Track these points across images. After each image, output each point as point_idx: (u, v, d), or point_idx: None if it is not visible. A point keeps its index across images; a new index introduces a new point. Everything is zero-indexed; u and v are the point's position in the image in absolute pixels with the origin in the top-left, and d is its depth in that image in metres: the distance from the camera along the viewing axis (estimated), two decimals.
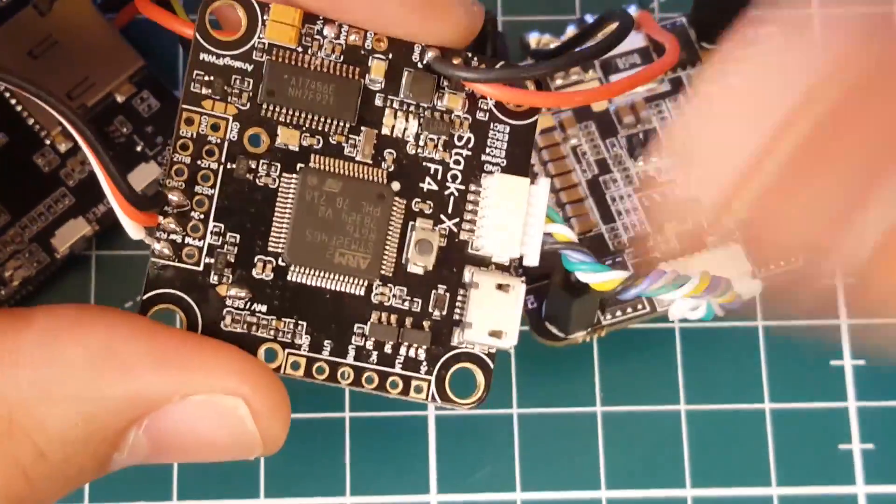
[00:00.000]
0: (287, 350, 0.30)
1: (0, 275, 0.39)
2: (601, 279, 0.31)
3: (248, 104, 0.30)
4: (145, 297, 0.30)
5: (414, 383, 0.31)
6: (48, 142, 0.39)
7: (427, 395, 0.31)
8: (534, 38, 0.40)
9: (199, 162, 0.30)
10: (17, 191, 0.39)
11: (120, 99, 0.40)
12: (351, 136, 0.31)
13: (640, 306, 0.37)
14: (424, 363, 0.31)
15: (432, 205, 0.31)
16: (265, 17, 0.31)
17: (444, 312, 0.31)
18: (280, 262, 0.30)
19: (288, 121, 0.31)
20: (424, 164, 0.31)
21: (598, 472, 0.39)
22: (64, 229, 0.39)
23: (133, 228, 0.29)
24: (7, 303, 0.38)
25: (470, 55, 0.32)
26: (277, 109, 0.30)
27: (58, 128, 0.39)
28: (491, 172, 0.32)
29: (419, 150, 0.31)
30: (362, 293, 0.31)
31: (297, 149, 0.31)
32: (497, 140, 0.32)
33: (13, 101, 0.39)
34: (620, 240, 0.39)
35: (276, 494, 0.39)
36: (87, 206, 0.39)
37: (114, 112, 0.40)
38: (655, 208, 0.39)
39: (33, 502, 0.27)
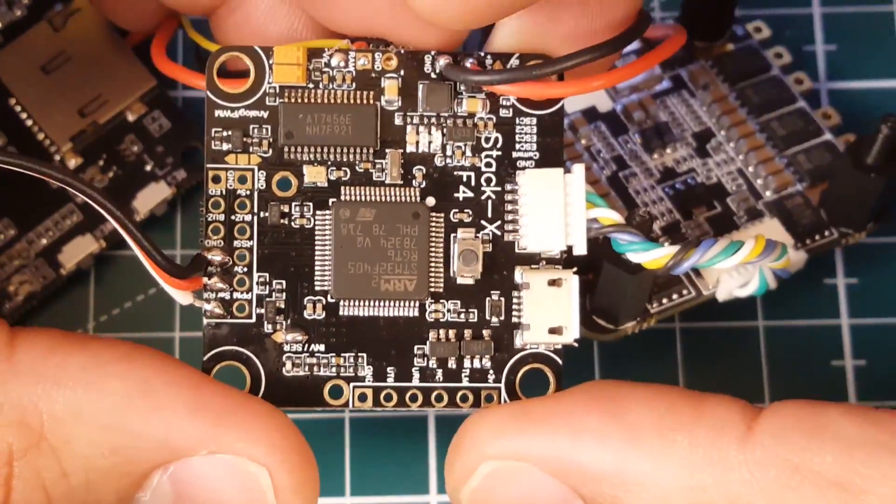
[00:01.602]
0: (352, 384, 0.31)
1: (5, 289, 0.39)
2: (653, 256, 0.31)
3: (270, 150, 0.31)
4: (206, 357, 0.30)
5: (484, 393, 0.31)
6: (58, 157, 0.39)
7: (500, 403, 0.31)
8: None
9: (232, 217, 0.30)
10: (25, 205, 0.39)
11: (131, 118, 0.40)
12: (377, 160, 0.31)
13: (685, 291, 0.36)
14: (491, 372, 0.31)
15: (471, 212, 0.31)
16: (271, 62, 0.31)
17: (502, 318, 0.31)
18: (329, 299, 0.30)
19: (312, 159, 0.31)
20: (456, 173, 0.31)
21: None
22: (71, 245, 0.39)
23: (180, 296, 0.30)
24: (11, 317, 0.39)
25: (482, 54, 0.31)
26: (299, 149, 0.31)
27: (68, 144, 0.39)
28: (524, 169, 0.31)
29: (448, 161, 0.31)
30: (416, 314, 0.31)
31: (325, 184, 0.31)
32: (526, 134, 0.31)
33: (23, 116, 0.39)
34: (652, 230, 0.37)
35: None
36: (95, 222, 0.39)
37: (125, 131, 0.40)
38: (681, 197, 0.38)
39: None
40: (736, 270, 0.32)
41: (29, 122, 0.40)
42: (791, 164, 0.38)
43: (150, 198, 0.39)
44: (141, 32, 0.38)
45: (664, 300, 0.36)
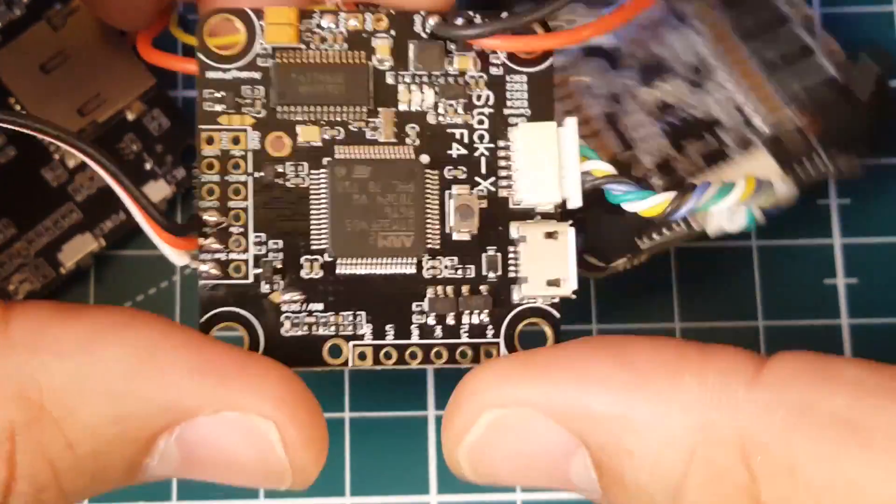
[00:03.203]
0: (351, 342, 0.30)
1: (5, 288, 0.39)
2: (648, 205, 0.31)
3: (263, 111, 0.31)
4: (202, 319, 0.30)
5: (483, 349, 0.31)
6: (57, 156, 0.40)
7: (500, 357, 0.31)
8: None
9: (227, 178, 0.30)
10: (24, 204, 0.39)
11: (130, 117, 0.40)
12: (370, 119, 0.31)
13: (675, 226, 0.36)
14: (490, 327, 0.31)
15: (465, 169, 0.31)
16: (262, 23, 0.31)
17: (499, 273, 0.31)
18: (326, 258, 0.30)
19: (305, 119, 0.31)
20: (449, 130, 0.31)
21: None
22: (71, 244, 0.39)
23: (176, 256, 0.29)
24: None
25: (471, 13, 0.31)
26: (293, 109, 0.31)
27: None
28: (516, 125, 0.31)
29: (441, 119, 0.31)
30: (414, 271, 0.31)
31: (319, 144, 0.31)
32: (516, 91, 0.32)
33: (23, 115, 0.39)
34: (643, 165, 0.38)
35: (275, 495, 0.39)
36: (95, 221, 0.39)
37: (124, 129, 0.40)
38: (674, 131, 0.38)
39: (57, 492, 0.28)
40: (727, 208, 0.33)
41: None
42: (786, 93, 0.38)
43: (150, 196, 0.38)
44: (136, 30, 0.38)
45: (655, 235, 0.36)
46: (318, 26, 0.31)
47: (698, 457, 0.27)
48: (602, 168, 0.31)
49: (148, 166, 0.40)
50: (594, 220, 0.35)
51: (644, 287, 0.39)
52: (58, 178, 0.40)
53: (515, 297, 0.31)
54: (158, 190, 0.40)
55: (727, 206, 0.30)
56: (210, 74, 0.30)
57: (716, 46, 0.39)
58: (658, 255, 0.38)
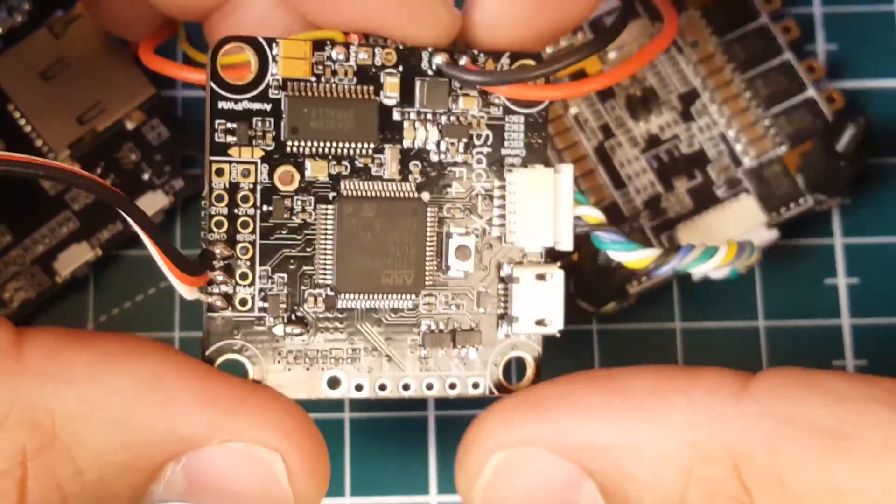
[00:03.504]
0: (349, 375, 0.31)
1: (0, 296, 0.38)
2: (633, 258, 0.32)
3: (273, 143, 0.30)
4: (207, 352, 0.30)
5: (471, 381, 0.32)
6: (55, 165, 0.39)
7: (485, 390, 0.32)
8: None
9: (235, 210, 0.30)
10: (21, 212, 0.39)
11: (130, 126, 0.39)
12: (376, 155, 0.31)
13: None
14: (478, 361, 0.32)
15: (462, 208, 0.32)
16: (275, 53, 0.30)
17: (490, 309, 0.32)
18: (329, 293, 0.31)
19: (314, 153, 0.31)
20: (449, 168, 0.32)
21: None
22: (67, 253, 0.39)
23: (187, 291, 0.29)
24: None
25: (477, 53, 0.32)
26: (302, 144, 0.31)
27: (66, 150, 0.38)
28: (513, 166, 0.32)
29: (443, 157, 0.32)
30: (411, 306, 0.32)
31: (327, 179, 0.31)
32: (514, 132, 0.32)
33: (22, 122, 0.39)
34: (634, 204, 0.40)
35: None
36: (91, 230, 0.39)
37: (123, 139, 0.39)
38: (663, 167, 0.40)
39: None
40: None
41: (27, 128, 0.38)
42: (772, 126, 0.40)
43: (148, 207, 0.39)
44: (137, 40, 0.37)
45: (644, 279, 0.38)
46: (329, 59, 0.31)
47: (694, 474, 0.29)
48: (593, 215, 0.32)
49: (146, 176, 0.39)
50: (585, 270, 0.36)
51: (644, 289, 0.39)
52: (55, 187, 0.39)
53: (501, 334, 0.32)
54: (156, 201, 0.39)
55: (709, 269, 0.32)
56: (222, 105, 0.30)
57: (707, 77, 0.40)
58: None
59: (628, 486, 0.30)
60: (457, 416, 0.40)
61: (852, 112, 0.39)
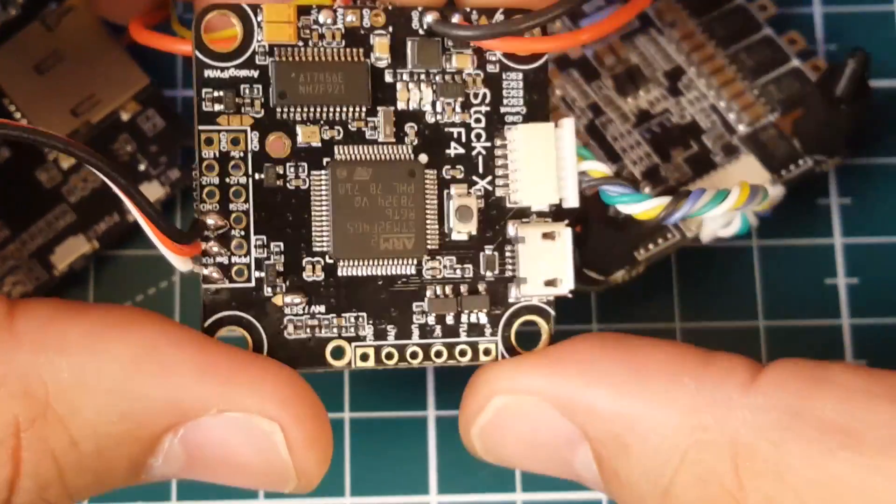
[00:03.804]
0: (353, 344, 0.31)
1: None
2: (644, 208, 0.31)
3: (262, 111, 0.30)
4: (206, 324, 0.30)
5: (482, 347, 0.31)
6: (51, 157, 0.39)
7: (497, 355, 0.31)
8: None
9: (227, 179, 0.30)
10: (18, 206, 0.39)
11: (125, 117, 0.39)
12: (369, 118, 0.31)
13: (669, 235, 0.37)
14: (488, 325, 0.31)
15: (463, 169, 0.31)
16: (260, 20, 0.30)
17: (497, 272, 0.31)
18: (328, 260, 0.30)
19: (305, 119, 0.30)
20: (447, 129, 0.31)
21: None
22: (64, 246, 0.39)
23: (180, 262, 0.29)
24: None
25: (469, 10, 0.31)
26: (292, 109, 0.30)
27: None
28: (514, 124, 0.31)
29: (439, 117, 0.31)
30: (414, 272, 0.31)
31: (319, 144, 0.30)
32: (512, 89, 0.32)
33: (17, 115, 0.39)
34: (633, 176, 0.39)
35: (275, 496, 0.38)
36: (89, 223, 0.39)
37: (118, 130, 0.39)
38: (657, 139, 0.39)
39: (61, 490, 0.28)
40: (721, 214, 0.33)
41: (23, 122, 0.38)
42: (762, 94, 0.39)
43: None
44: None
45: (650, 246, 0.37)
46: (316, 22, 0.30)
47: (688, 457, 0.29)
48: (599, 168, 0.31)
49: (142, 167, 0.39)
50: (592, 233, 0.35)
51: (644, 288, 0.39)
52: (52, 180, 0.39)
53: (512, 296, 0.31)
54: (152, 191, 0.39)
55: (722, 212, 0.31)
56: (208, 73, 0.30)
57: (690, 53, 0.40)
58: (655, 264, 0.38)
59: (621, 457, 0.29)
60: (457, 416, 0.39)
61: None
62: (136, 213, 0.28)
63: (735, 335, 0.40)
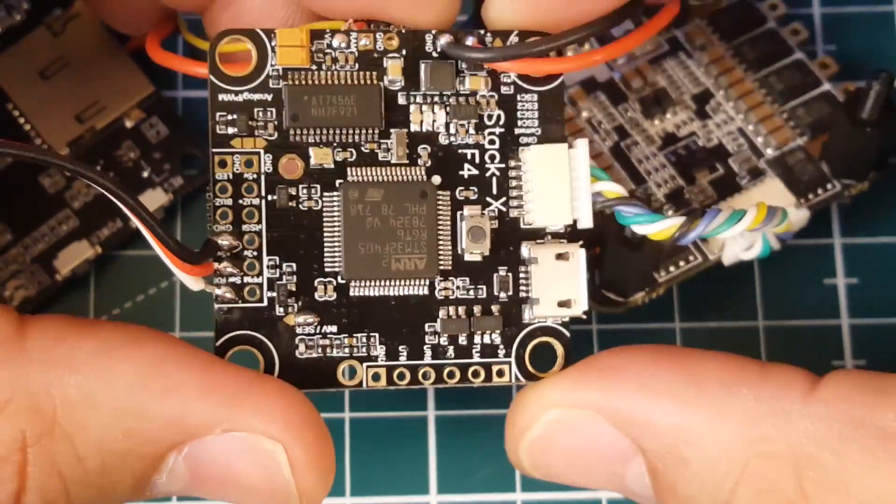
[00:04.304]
0: (365, 364, 0.31)
1: (0, 294, 0.39)
2: (658, 228, 0.31)
3: (276, 133, 0.30)
4: (218, 343, 0.30)
5: (495, 368, 0.31)
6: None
7: (510, 377, 0.31)
8: None
9: (240, 201, 0.30)
10: (21, 210, 0.39)
11: (129, 124, 0.40)
12: (382, 140, 0.31)
13: (691, 257, 0.37)
14: (501, 347, 0.31)
15: (476, 190, 0.31)
16: (273, 44, 0.31)
17: (510, 293, 0.31)
18: (340, 280, 0.31)
19: (317, 140, 0.31)
20: (460, 151, 0.31)
21: None
22: (67, 251, 0.39)
23: (191, 282, 0.29)
24: None
25: (483, 33, 0.31)
26: (305, 132, 0.30)
27: (65, 149, 0.39)
28: (527, 145, 0.31)
29: (452, 139, 0.31)
30: (426, 292, 0.31)
31: (332, 166, 0.31)
32: (527, 111, 0.32)
33: (21, 121, 0.39)
34: (656, 198, 0.38)
35: None
36: (91, 228, 0.39)
37: (122, 137, 0.40)
38: (683, 161, 0.39)
39: None
40: (741, 235, 0.33)
41: (27, 127, 0.39)
42: (791, 118, 0.39)
43: (147, 204, 0.38)
44: (138, 35, 0.38)
45: (671, 268, 0.37)
46: (329, 46, 0.31)
47: (749, 470, 0.28)
48: (613, 189, 0.31)
49: (145, 174, 0.40)
50: (611, 255, 0.35)
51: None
52: (55, 185, 0.40)
53: (526, 317, 0.31)
54: (155, 198, 0.39)
55: (737, 232, 0.30)
56: (222, 97, 0.30)
57: (718, 76, 0.40)
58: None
59: (679, 470, 0.29)
60: (457, 416, 0.39)
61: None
62: (147, 236, 0.28)
63: (735, 335, 0.40)
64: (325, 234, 0.30)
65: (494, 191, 0.31)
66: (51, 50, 0.39)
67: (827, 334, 0.40)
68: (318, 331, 0.30)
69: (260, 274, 0.30)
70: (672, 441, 0.29)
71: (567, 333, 0.31)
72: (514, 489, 0.39)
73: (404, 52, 0.31)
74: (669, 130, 0.39)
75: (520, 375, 0.31)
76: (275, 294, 0.30)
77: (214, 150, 0.30)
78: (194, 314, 0.40)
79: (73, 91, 0.39)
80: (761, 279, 0.40)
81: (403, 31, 0.31)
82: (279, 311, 0.30)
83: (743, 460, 0.28)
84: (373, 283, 0.31)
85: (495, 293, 0.31)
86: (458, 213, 0.31)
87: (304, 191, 0.31)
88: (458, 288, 0.31)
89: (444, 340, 0.31)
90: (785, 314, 0.40)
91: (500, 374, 0.31)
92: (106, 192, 0.28)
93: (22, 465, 0.27)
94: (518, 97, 0.32)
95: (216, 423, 0.28)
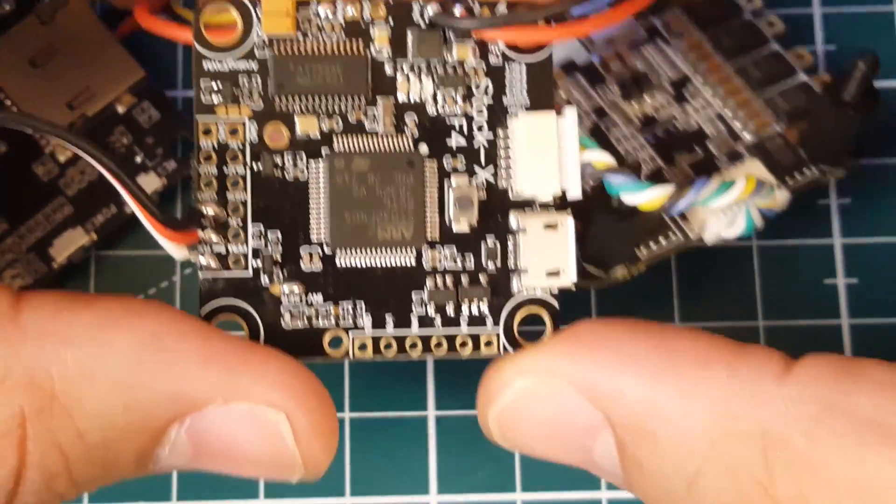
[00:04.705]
0: (351, 334, 0.30)
1: None
2: (647, 197, 0.31)
3: (261, 102, 0.30)
4: (203, 312, 0.30)
5: (483, 339, 0.31)
6: (48, 151, 0.39)
7: (499, 348, 0.31)
8: None
9: (225, 169, 0.30)
10: (15, 199, 0.39)
11: (120, 109, 0.40)
12: (369, 109, 0.31)
13: (672, 234, 0.37)
14: (489, 317, 0.31)
15: (464, 159, 0.31)
16: (259, 12, 0.30)
17: (499, 263, 0.31)
18: (326, 250, 0.30)
19: (303, 109, 0.30)
20: (448, 120, 0.31)
21: None
22: (62, 239, 0.39)
23: (175, 250, 0.29)
24: None
25: (471, 1, 0.31)
26: (291, 100, 0.30)
27: None
28: (516, 114, 0.31)
29: (439, 109, 0.31)
30: (413, 262, 0.31)
31: (318, 135, 0.30)
32: (515, 80, 0.31)
33: (14, 109, 0.39)
34: (636, 164, 0.38)
35: (275, 495, 0.39)
36: (86, 215, 0.39)
37: (114, 122, 0.40)
38: (662, 143, 0.38)
39: (67, 481, 0.28)
40: (723, 212, 0.33)
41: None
42: (769, 105, 0.39)
43: None
44: (131, 8, 0.38)
45: (652, 244, 0.37)
46: (316, 15, 0.31)
47: (717, 448, 0.28)
48: (602, 158, 0.31)
49: (139, 159, 0.40)
50: (592, 228, 0.35)
51: (644, 288, 0.39)
52: (49, 173, 0.40)
53: (515, 288, 0.31)
54: (149, 183, 0.39)
55: (727, 202, 0.30)
56: (207, 65, 0.30)
57: (696, 63, 0.40)
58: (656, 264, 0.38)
59: (647, 445, 0.28)
60: (457, 416, 0.39)
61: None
62: (128, 200, 0.28)
63: (735, 335, 0.38)
64: (311, 203, 0.30)
65: (482, 160, 0.31)
66: (40, 38, 0.40)
67: (827, 334, 0.40)
68: (303, 300, 0.30)
69: (245, 243, 0.30)
70: (642, 415, 0.28)
71: (556, 304, 0.31)
72: (514, 489, 0.39)
73: (391, 20, 0.31)
74: (648, 113, 0.39)
75: (508, 346, 0.31)
76: (260, 263, 0.30)
77: (199, 116, 0.30)
78: (193, 309, 0.39)
79: (63, 78, 0.39)
80: (761, 279, 0.40)
81: (391, 0, 0.31)
82: (264, 280, 0.30)
83: (711, 438, 0.28)
84: (359, 252, 0.30)
85: (483, 263, 0.31)
86: (446, 182, 0.31)
87: (290, 159, 0.30)
88: (445, 257, 0.31)
89: (431, 310, 0.31)
90: (785, 314, 0.40)
91: (489, 344, 0.31)
92: (89, 158, 0.28)
93: (21, 442, 0.27)
94: (506, 66, 0.31)
95: (217, 394, 0.28)
